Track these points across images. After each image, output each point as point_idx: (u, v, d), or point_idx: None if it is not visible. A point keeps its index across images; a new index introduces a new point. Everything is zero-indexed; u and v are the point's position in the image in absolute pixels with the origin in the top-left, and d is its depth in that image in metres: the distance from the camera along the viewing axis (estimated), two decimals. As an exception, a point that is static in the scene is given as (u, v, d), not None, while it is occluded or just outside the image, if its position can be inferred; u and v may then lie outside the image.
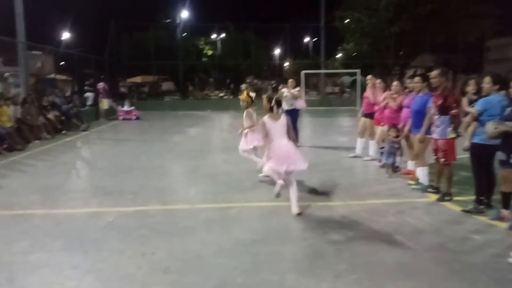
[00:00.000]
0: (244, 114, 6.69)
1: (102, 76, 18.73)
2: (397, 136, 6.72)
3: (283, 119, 5.18)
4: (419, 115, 5.83)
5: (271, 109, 5.23)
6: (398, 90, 7.07)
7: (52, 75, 21.98)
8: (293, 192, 5.03)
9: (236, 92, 28.69)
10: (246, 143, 6.71)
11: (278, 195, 5.06)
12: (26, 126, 10.66)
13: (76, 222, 4.81)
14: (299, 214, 4.91)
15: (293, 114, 9.83)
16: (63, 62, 25.41)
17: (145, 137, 12.79)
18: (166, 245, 4.11)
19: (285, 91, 9.78)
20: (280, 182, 4.99)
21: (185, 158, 8.87)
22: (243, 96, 6.85)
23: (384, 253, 3.89)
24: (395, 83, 7.23)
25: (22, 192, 6.06)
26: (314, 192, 5.96)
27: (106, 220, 4.84)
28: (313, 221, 4.74)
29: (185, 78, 27.51)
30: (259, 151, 6.68)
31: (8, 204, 5.52)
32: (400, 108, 6.80)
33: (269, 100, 5.27)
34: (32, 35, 15.42)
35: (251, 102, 6.74)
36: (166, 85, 32.54)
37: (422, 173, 5.97)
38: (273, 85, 33.64)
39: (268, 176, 5.56)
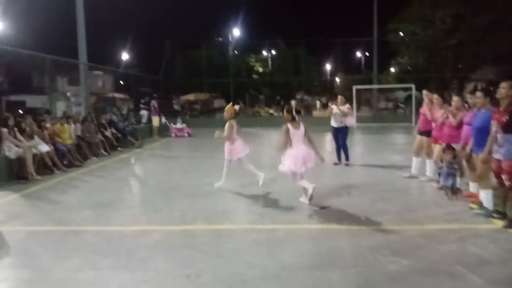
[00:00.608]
0: (227, 125, 7.04)
1: (155, 94, 19.46)
2: (454, 157, 6.28)
3: (303, 128, 6.00)
4: (482, 133, 5.38)
5: (293, 119, 5.98)
6: (459, 106, 6.63)
7: (111, 94, 23.22)
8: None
9: (286, 108, 28.69)
10: (229, 154, 7.10)
11: (311, 198, 5.89)
12: (85, 143, 11.22)
13: (125, 240, 4.88)
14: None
15: (342, 132, 9.63)
16: (121, 82, 26.82)
17: (195, 154, 13.00)
18: (211, 267, 4.04)
19: (334, 108, 9.57)
20: (310, 186, 5.83)
21: (234, 176, 8.82)
22: (228, 107, 7.25)
23: (444, 285, 3.56)
24: (455, 98, 6.77)
25: (77, 208, 6.30)
26: (366, 214, 5.66)
27: (154, 238, 4.87)
28: (364, 247, 4.48)
29: (235, 95, 27.96)
30: (243, 162, 7.17)
31: (63, 220, 5.75)
32: (460, 125, 6.36)
33: (288, 111, 6.01)
34: (94, 56, 16.42)
35: (234, 114, 7.13)
36: (218, 102, 33.24)
37: (486, 197, 5.49)
38: (323, 102, 33.32)
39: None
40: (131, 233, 5.13)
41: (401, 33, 26.63)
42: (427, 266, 3.94)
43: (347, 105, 9.66)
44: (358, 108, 24.08)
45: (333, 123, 9.66)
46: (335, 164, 9.72)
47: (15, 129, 8.79)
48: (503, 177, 4.96)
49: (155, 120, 17.91)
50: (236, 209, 6.17)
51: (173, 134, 18.06)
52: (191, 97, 33.14)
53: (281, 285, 3.64)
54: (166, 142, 16.43)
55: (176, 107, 26.52)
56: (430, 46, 25.13)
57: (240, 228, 5.22)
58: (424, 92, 7.90)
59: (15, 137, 8.66)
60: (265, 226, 5.31)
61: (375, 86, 25.42)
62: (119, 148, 12.99)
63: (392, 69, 33.74)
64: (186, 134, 17.99)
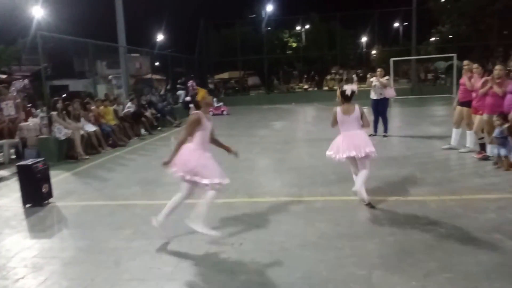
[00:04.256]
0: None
1: (192, 75, 19.79)
2: (502, 124, 6.13)
3: (357, 111, 4.95)
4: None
5: (344, 101, 5.03)
6: (502, 75, 6.45)
7: (149, 75, 23.80)
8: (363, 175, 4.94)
9: (320, 83, 28.36)
10: None
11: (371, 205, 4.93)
12: (128, 123, 11.70)
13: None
14: (370, 206, 4.89)
15: (382, 104, 9.74)
16: (157, 63, 27.36)
17: (232, 131, 13.24)
18: (253, 236, 4.27)
19: (373, 80, 9.66)
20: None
21: (270, 152, 9.04)
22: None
23: (481, 252, 3.61)
24: (498, 67, 6.60)
25: (124, 185, 6.70)
26: (403, 185, 5.70)
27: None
28: (401, 217, 4.56)
29: (269, 72, 27.89)
30: None
31: (114, 195, 6.15)
32: (504, 94, 6.20)
33: (342, 93, 5.07)
34: (130, 39, 16.85)
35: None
36: (252, 80, 33.27)
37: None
38: (359, 75, 32.59)
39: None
40: (176, 206, 5.42)
41: (442, 0, 25.45)
42: (465, 234, 3.99)
43: (386, 77, 9.75)
44: (395, 81, 23.44)
45: (373, 96, 9.74)
46: (371, 135, 9.76)
47: (64, 112, 9.32)
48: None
49: (192, 100, 18.27)
50: (275, 183, 6.36)
51: (210, 113, 18.31)
52: (225, 75, 33.34)
53: (319, 252, 3.81)
54: (203, 120, 16.78)
55: (211, 86, 26.83)
56: (473, 12, 23.88)
57: (279, 200, 5.41)
58: (465, 62, 7.72)
59: (63, 119, 9.20)
60: (303, 198, 5.48)
61: (413, 57, 24.57)
62: (159, 128, 13.46)
63: (433, 39, 32.40)
64: (225, 113, 18.25)
